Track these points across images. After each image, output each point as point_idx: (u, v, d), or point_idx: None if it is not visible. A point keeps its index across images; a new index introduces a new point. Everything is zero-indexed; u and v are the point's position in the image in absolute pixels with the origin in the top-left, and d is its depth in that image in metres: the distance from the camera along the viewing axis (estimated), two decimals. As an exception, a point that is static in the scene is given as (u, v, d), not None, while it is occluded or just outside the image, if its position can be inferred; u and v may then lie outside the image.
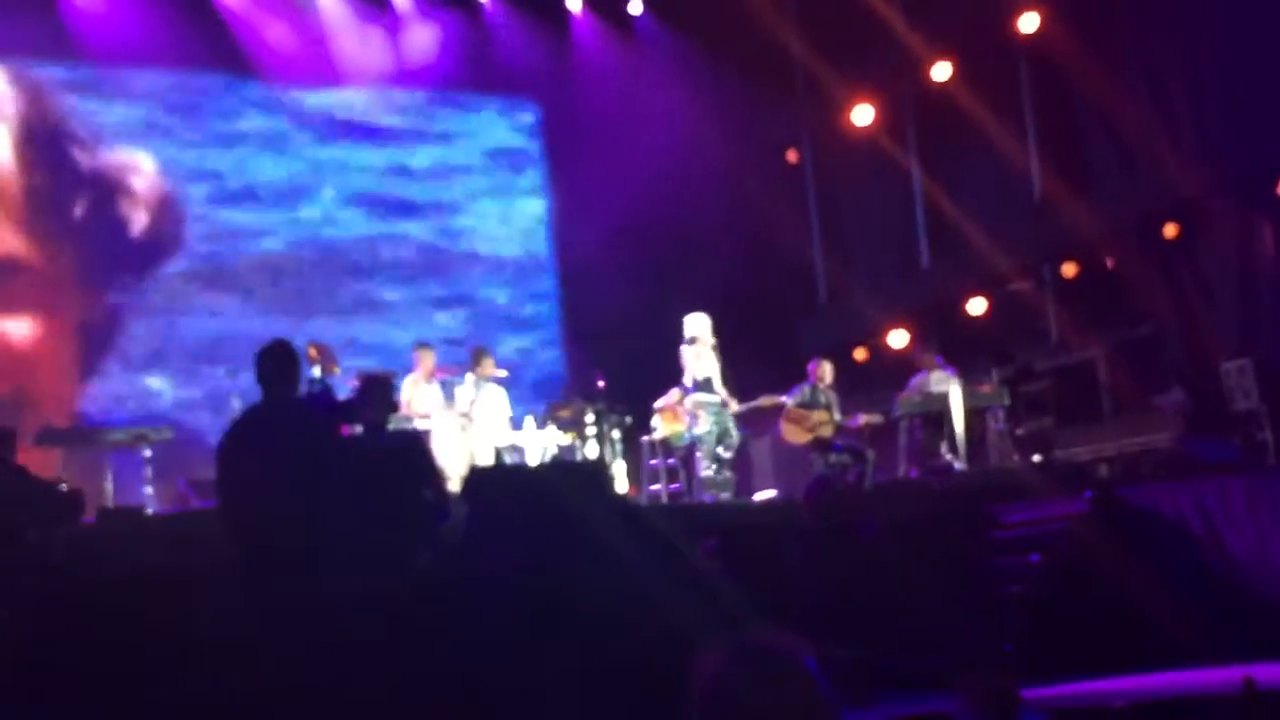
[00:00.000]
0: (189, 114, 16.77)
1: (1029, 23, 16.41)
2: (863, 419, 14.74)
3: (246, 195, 16.94)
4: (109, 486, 13.13)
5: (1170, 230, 15.48)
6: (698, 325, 13.63)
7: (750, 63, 17.91)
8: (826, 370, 14.56)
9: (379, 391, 8.57)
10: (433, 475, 8.14)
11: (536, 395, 16.23)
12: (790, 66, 18.98)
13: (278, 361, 7.05)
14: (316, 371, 12.40)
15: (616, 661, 7.94)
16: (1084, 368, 16.15)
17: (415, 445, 8.45)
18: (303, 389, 9.56)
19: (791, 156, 19.49)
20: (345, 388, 11.24)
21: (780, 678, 2.54)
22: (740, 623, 8.21)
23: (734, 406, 13.74)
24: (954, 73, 17.24)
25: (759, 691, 2.52)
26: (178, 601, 7.71)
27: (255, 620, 6.77)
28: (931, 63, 17.36)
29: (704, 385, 13.56)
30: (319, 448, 6.95)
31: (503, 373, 14.07)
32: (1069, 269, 16.50)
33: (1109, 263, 16.15)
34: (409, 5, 17.87)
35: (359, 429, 8.11)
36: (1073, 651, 9.50)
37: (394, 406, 9.37)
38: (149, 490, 12.67)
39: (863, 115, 18.15)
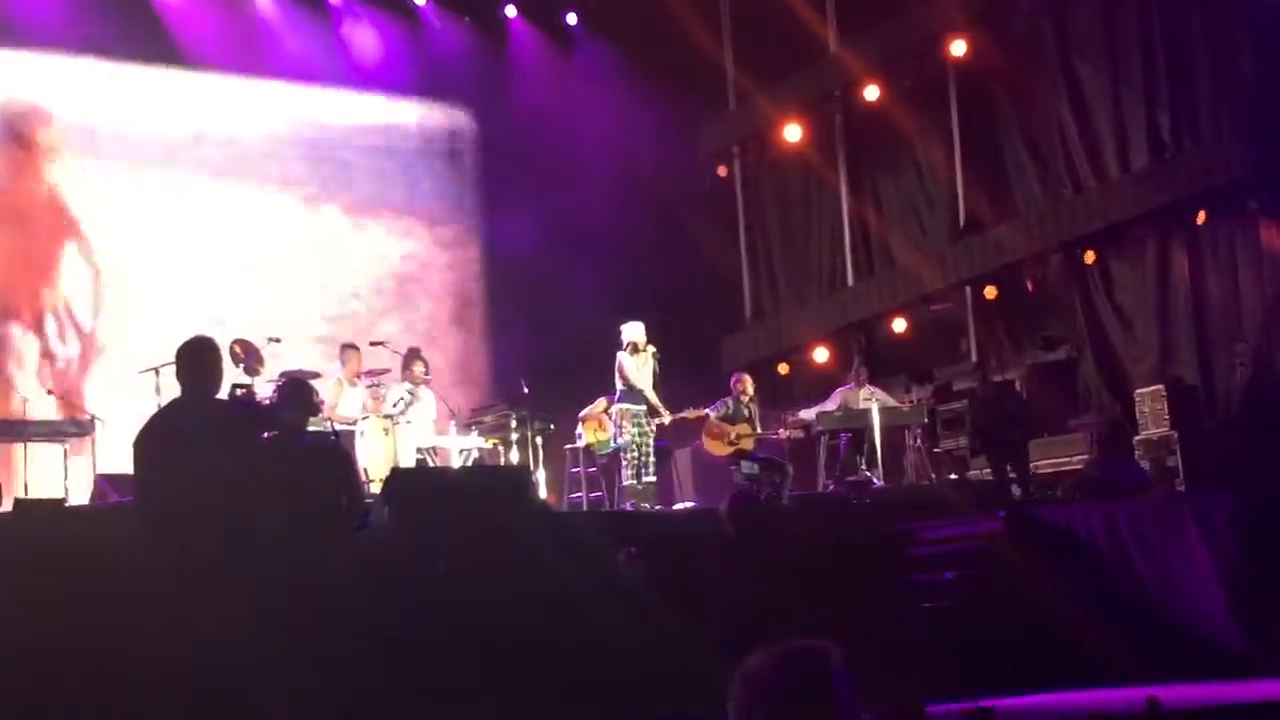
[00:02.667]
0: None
1: (958, 47, 16.64)
2: (784, 432, 14.87)
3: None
4: (26, 480, 13.07)
5: (1090, 256, 15.73)
6: (635, 333, 13.66)
7: (683, 78, 18.03)
8: (748, 384, 14.68)
9: (298, 394, 8.54)
10: (351, 480, 8.13)
11: (461, 399, 16.21)
12: (723, 82, 19.12)
13: (198, 358, 6.99)
14: (241, 369, 12.37)
15: (536, 665, 7.99)
16: (1008, 387, 16.37)
17: (333, 449, 8.44)
18: (226, 387, 9.56)
19: (721, 171, 19.61)
20: (270, 386, 11.21)
21: (811, 684, 2.66)
22: (661, 629, 8.30)
23: (665, 418, 13.79)
24: (883, 94, 17.44)
25: (790, 696, 2.64)
26: (89, 596, 7.68)
27: (166, 617, 6.74)
28: (862, 83, 17.56)
29: (635, 394, 13.59)
30: (236, 448, 6.91)
31: (430, 375, 14.07)
32: (990, 291, 16.71)
33: (1029, 286, 16.38)
34: (346, 8, 17.82)
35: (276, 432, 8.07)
36: (983, 669, 9.63)
37: (313, 409, 9.33)
38: (68, 484, 12.57)
39: (793, 133, 18.31)
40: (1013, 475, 14.30)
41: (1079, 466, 14.14)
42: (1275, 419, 12.87)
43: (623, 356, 13.60)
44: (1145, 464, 13.60)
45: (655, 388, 13.69)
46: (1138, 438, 13.96)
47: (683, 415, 14.14)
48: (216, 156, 17.01)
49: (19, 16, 15.59)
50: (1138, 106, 15.36)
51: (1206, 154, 14.68)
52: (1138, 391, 14.37)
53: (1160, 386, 14.10)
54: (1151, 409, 13.92)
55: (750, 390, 14.66)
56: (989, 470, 14.61)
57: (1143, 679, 8.79)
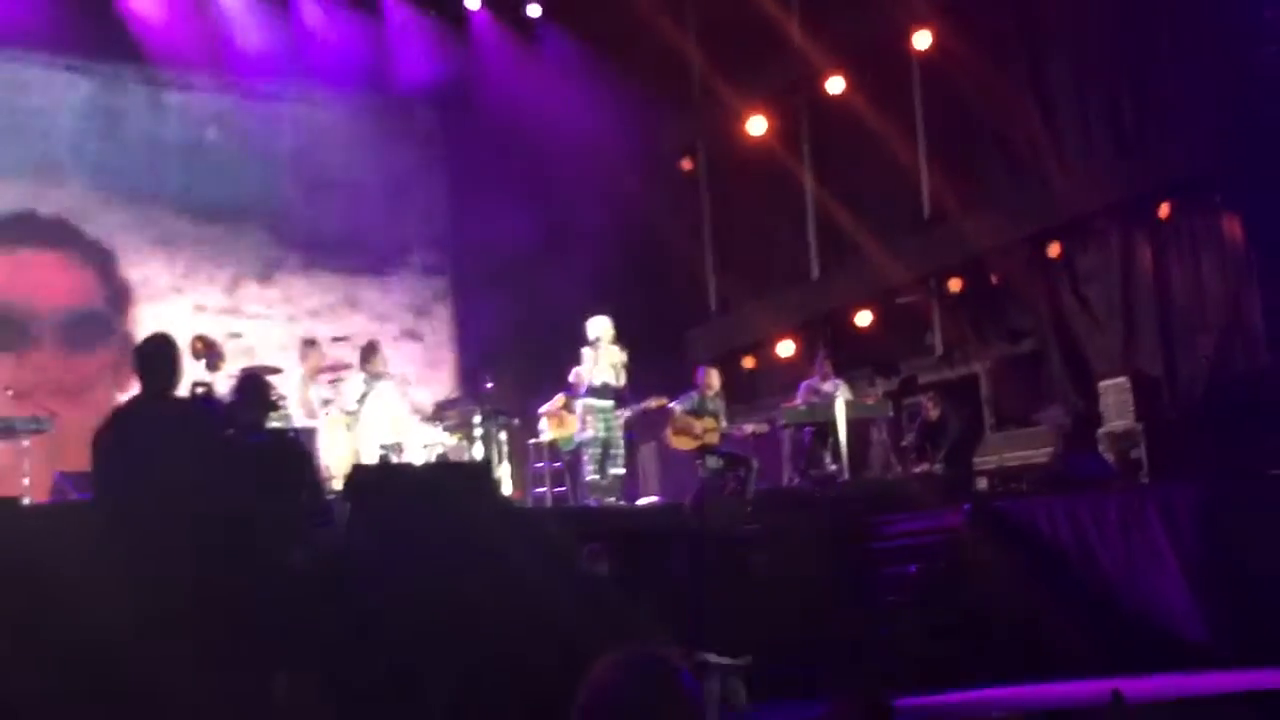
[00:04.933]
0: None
1: (922, 39, 16.64)
2: (749, 428, 14.85)
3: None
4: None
5: (1054, 249, 15.76)
6: (599, 327, 13.63)
7: (647, 70, 17.96)
8: (714, 378, 14.65)
9: (256, 390, 8.49)
10: (310, 477, 8.08)
11: (424, 394, 16.14)
12: (687, 75, 19.08)
13: (157, 355, 6.93)
14: (202, 365, 12.28)
15: (498, 662, 7.95)
16: (967, 382, 16.39)
17: (292, 446, 8.38)
18: (187, 384, 9.47)
19: (686, 164, 19.57)
20: (230, 382, 11.11)
21: (658, 690, 2.64)
22: (624, 625, 8.26)
23: (625, 411, 13.77)
24: (848, 86, 17.42)
25: (637, 703, 2.62)
26: (48, 593, 7.60)
27: (125, 615, 6.68)
28: (826, 75, 17.54)
29: (600, 389, 13.56)
30: (194, 446, 6.85)
31: (391, 370, 14.00)
32: (955, 283, 16.72)
33: (994, 278, 16.39)
34: (307, 3, 17.70)
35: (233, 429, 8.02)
36: (947, 662, 9.65)
37: (272, 406, 9.28)
38: (26, 481, 12.44)
39: (757, 125, 18.28)
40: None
41: (1044, 459, 14.16)
42: (1238, 411, 12.92)
43: (586, 351, 13.58)
44: (1109, 457, 13.63)
45: (624, 381, 13.65)
46: (1102, 430, 13.99)
47: (644, 406, 14.11)
48: (176, 151, 16.88)
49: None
50: (1102, 98, 15.39)
51: (1171, 147, 14.72)
52: (1102, 384, 14.38)
53: (1124, 379, 14.12)
54: (1115, 401, 13.94)
55: (717, 385, 14.64)
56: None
57: (1107, 671, 8.82)
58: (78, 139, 16.37)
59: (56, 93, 16.33)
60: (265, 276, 17.39)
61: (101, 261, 16.36)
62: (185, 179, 16.83)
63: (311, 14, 17.67)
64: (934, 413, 15.13)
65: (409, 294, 18.50)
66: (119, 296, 16.28)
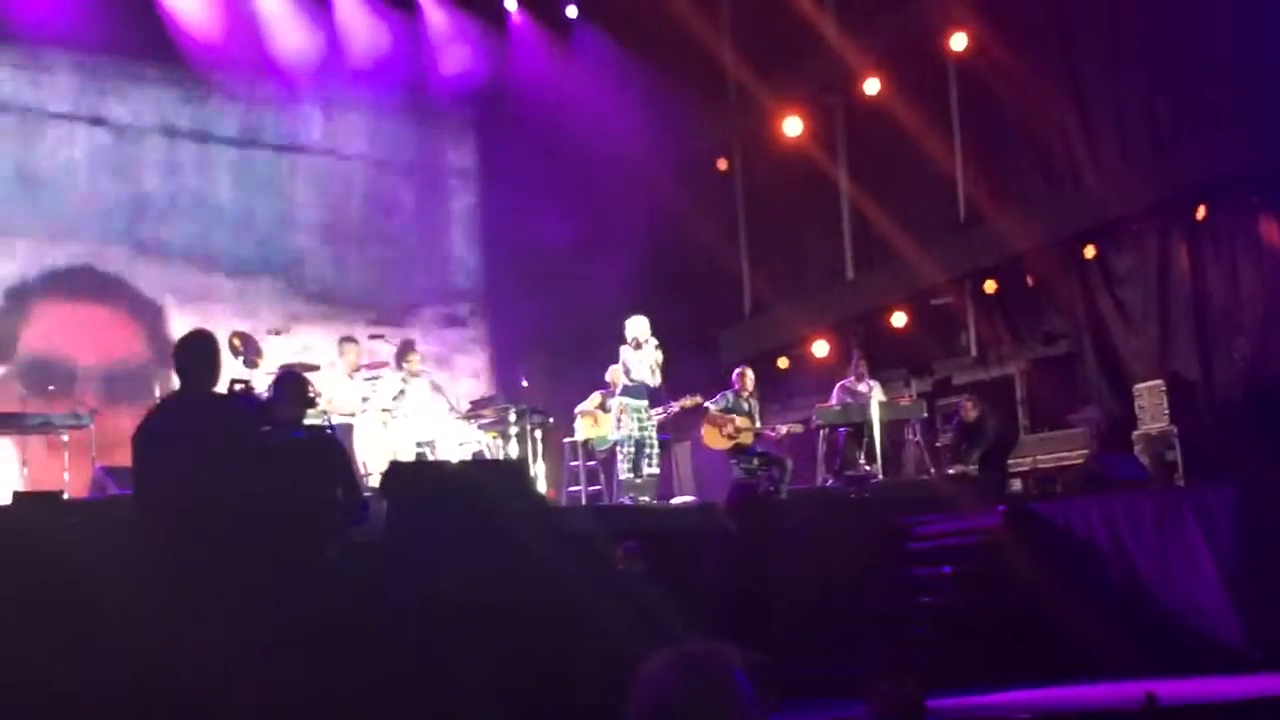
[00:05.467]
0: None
1: (959, 41, 16.61)
2: (783, 429, 14.86)
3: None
4: (26, 471, 13.09)
5: (1090, 250, 15.71)
6: (639, 327, 13.67)
7: (683, 71, 17.99)
8: (749, 378, 14.66)
9: (293, 387, 8.56)
10: (347, 474, 8.14)
11: (460, 392, 16.20)
12: (723, 76, 19.09)
13: (197, 352, 6.99)
14: (240, 362, 12.37)
15: (534, 660, 7.99)
16: (1002, 383, 16.36)
17: (329, 442, 8.44)
18: (226, 380, 9.55)
19: (721, 165, 19.59)
20: (269, 380, 11.20)
21: (713, 688, 2.65)
22: (658, 624, 8.29)
23: (659, 413, 13.82)
24: (884, 87, 17.41)
25: (693, 701, 2.63)
26: (90, 587, 7.68)
27: (164, 610, 6.74)
28: (862, 76, 17.53)
29: (635, 389, 13.60)
30: (232, 442, 6.91)
31: (428, 368, 14.07)
32: (990, 285, 16.69)
33: (1030, 280, 16.36)
34: (347, 3, 17.79)
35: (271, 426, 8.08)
36: (981, 663, 9.64)
37: (309, 403, 9.35)
38: (67, 476, 12.57)
39: (793, 126, 18.28)
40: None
41: (1079, 461, 14.13)
42: (1275, 414, 12.86)
43: (625, 351, 13.61)
44: (1144, 459, 13.59)
45: (660, 381, 13.70)
46: (1137, 432, 13.95)
47: (679, 405, 14.14)
48: (221, 144, 17.00)
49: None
50: (1139, 100, 15.33)
51: (1208, 148, 14.65)
52: (1137, 386, 14.34)
53: (1160, 381, 14.07)
54: (1151, 404, 13.90)
55: (751, 385, 14.66)
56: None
57: (1141, 674, 8.80)
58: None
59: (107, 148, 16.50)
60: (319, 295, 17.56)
61: (151, 317, 16.46)
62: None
63: (350, 16, 17.75)
64: (972, 413, 15.11)
65: (443, 292, 18.56)
66: (164, 352, 16.28)
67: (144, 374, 15.56)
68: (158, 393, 12.84)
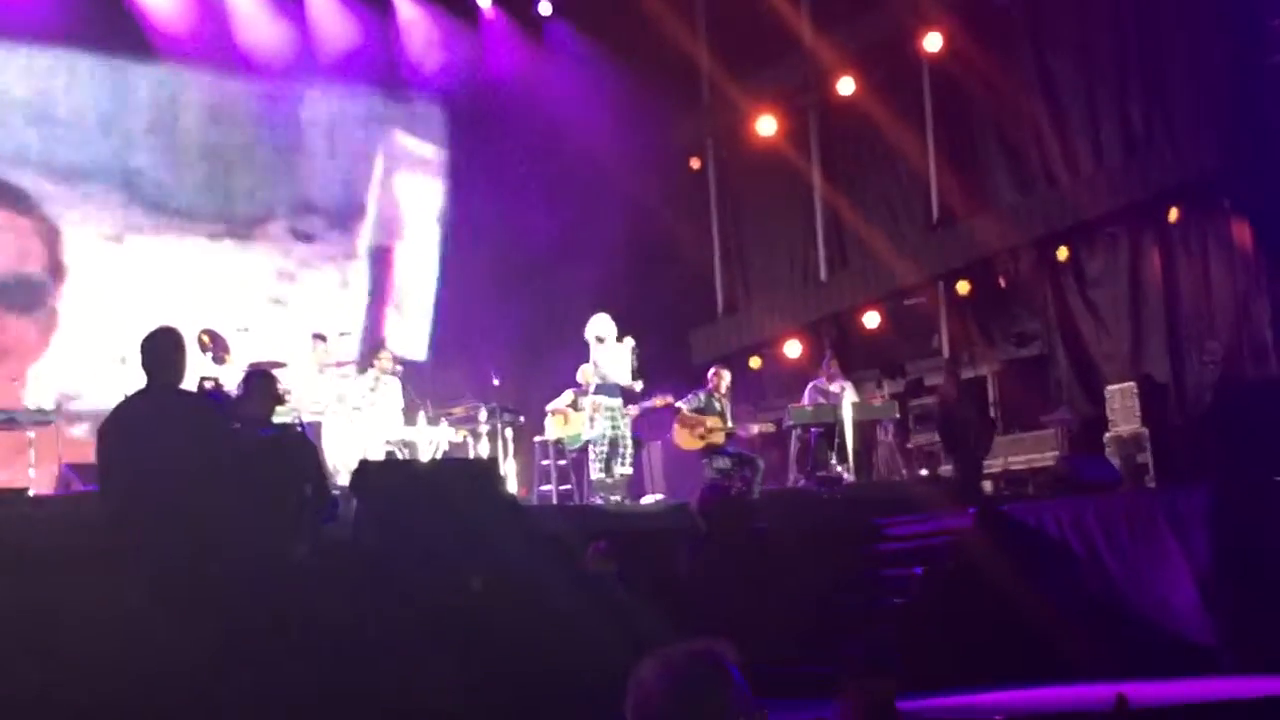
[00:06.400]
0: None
1: (932, 41, 16.63)
2: (755, 428, 14.83)
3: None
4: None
5: (1062, 252, 15.75)
6: (600, 325, 13.63)
7: (657, 69, 17.95)
8: (725, 378, 14.63)
9: (262, 385, 8.50)
10: (315, 472, 8.08)
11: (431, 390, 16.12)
12: (697, 75, 19.07)
13: (162, 348, 6.92)
14: (209, 358, 12.29)
15: (501, 657, 7.94)
16: (974, 384, 16.37)
17: (298, 441, 8.39)
18: (194, 378, 9.47)
19: (695, 164, 19.56)
20: (238, 376, 11.12)
21: (707, 688, 2.63)
22: (628, 624, 8.25)
23: (631, 412, 13.79)
24: (858, 87, 17.42)
25: (688, 702, 2.60)
26: (55, 582, 7.61)
27: (131, 607, 6.68)
28: (836, 77, 17.53)
29: (608, 387, 13.56)
30: (200, 439, 6.85)
31: (398, 366, 14.00)
32: (963, 286, 16.71)
33: (1002, 281, 16.38)
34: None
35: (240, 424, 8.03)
36: (952, 664, 9.62)
37: (278, 400, 9.28)
38: (33, 473, 12.46)
39: (767, 126, 18.26)
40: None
41: (1050, 463, 14.14)
42: (1245, 417, 12.89)
43: (596, 349, 13.57)
44: (1116, 461, 13.62)
45: (636, 378, 13.66)
46: (1109, 434, 13.98)
47: (651, 404, 14.10)
48: (184, 142, 16.84)
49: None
50: (1111, 102, 15.38)
51: (1180, 151, 14.71)
52: (1109, 388, 14.38)
53: (1131, 383, 14.11)
54: (1122, 406, 13.93)
55: (726, 386, 14.62)
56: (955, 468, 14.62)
57: (1112, 675, 8.79)
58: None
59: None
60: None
61: (51, 239, 16.18)
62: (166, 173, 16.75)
63: (322, 13, 17.64)
64: (951, 392, 14.95)
65: (413, 289, 18.45)
66: (57, 271, 16.07)
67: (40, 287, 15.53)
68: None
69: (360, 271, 18.01)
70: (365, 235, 18.06)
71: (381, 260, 18.21)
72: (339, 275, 17.82)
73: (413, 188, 18.55)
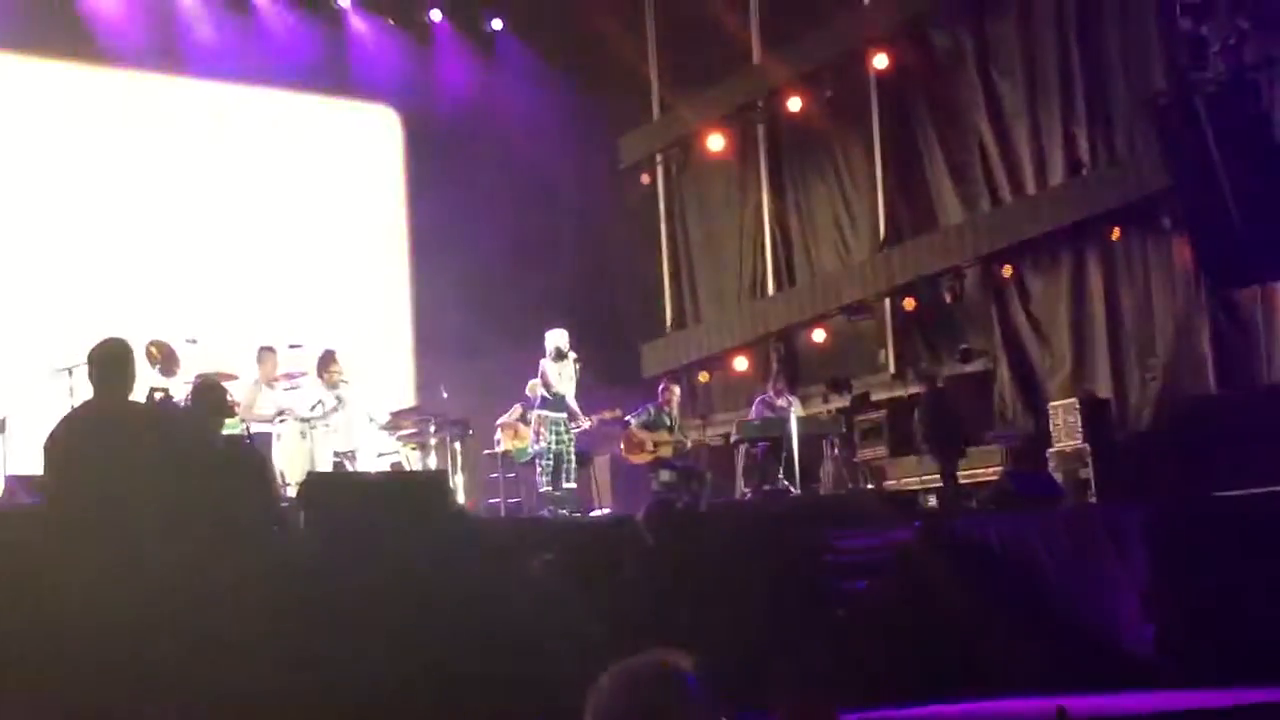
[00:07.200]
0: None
1: (880, 60, 16.78)
2: (607, 414, 14.80)
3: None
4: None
5: (1007, 270, 15.91)
6: (559, 338, 13.67)
7: (608, 85, 18.05)
8: (675, 394, 14.73)
9: (210, 397, 8.49)
10: (264, 483, 8.09)
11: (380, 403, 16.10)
12: (647, 91, 19.17)
13: (112, 360, 6.91)
14: (157, 370, 12.24)
15: (448, 671, 7.96)
16: (919, 400, 16.48)
17: (247, 453, 8.39)
18: (144, 389, 9.44)
19: (645, 179, 19.64)
20: (186, 388, 11.10)
21: (665, 702, 2.66)
22: (575, 636, 8.29)
23: (583, 423, 13.82)
24: (806, 105, 17.55)
25: (649, 710, 2.64)
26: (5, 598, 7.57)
27: (81, 619, 6.67)
28: (786, 95, 17.66)
29: (556, 401, 13.59)
30: (149, 450, 6.84)
31: (348, 379, 13.98)
32: (909, 302, 16.85)
33: (948, 298, 16.53)
34: (270, 6, 17.65)
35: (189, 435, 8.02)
36: (894, 677, 9.70)
37: (226, 412, 9.28)
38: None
39: (716, 142, 18.37)
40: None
41: (994, 478, 14.27)
42: (1185, 433, 13.06)
43: (545, 363, 13.61)
44: (1058, 476, 13.76)
45: (574, 395, 13.72)
46: (1051, 450, 14.12)
47: (600, 416, 14.15)
48: (134, 153, 16.77)
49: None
50: (1055, 123, 15.58)
51: (1121, 171, 14.90)
52: (1052, 404, 14.54)
53: (1074, 400, 14.27)
54: (1065, 422, 14.08)
55: (676, 400, 14.71)
56: (936, 469, 14.69)
57: (1053, 689, 8.88)
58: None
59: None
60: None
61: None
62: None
63: (273, 23, 17.62)
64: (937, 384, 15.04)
65: (364, 303, 18.42)
66: None
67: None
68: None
69: (311, 283, 17.96)
70: (315, 245, 18.02)
71: (332, 271, 18.17)
72: (290, 286, 17.77)
73: (363, 198, 18.54)
